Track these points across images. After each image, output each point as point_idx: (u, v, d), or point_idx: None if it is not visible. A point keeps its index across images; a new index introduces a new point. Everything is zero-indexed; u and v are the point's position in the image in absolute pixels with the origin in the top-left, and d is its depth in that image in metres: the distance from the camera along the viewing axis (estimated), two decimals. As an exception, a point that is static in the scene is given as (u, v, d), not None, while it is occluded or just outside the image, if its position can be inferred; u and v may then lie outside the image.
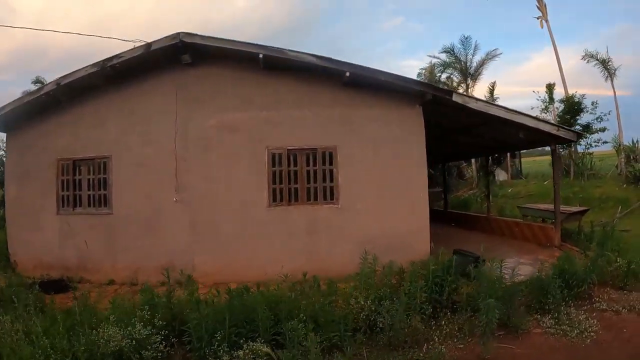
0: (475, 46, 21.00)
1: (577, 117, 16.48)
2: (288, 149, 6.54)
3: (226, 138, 6.51)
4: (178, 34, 6.13)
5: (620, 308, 5.15)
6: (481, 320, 4.23)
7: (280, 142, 6.52)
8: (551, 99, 17.78)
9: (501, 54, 21.32)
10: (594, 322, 4.65)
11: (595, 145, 16.88)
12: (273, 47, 6.18)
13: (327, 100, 6.63)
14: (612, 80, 18.43)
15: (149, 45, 6.17)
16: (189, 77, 6.55)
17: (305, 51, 6.18)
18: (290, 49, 6.18)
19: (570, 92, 17.66)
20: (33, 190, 6.53)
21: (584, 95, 16.86)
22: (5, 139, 7.06)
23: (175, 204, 6.45)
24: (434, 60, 22.81)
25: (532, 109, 17.97)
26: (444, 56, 21.87)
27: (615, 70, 18.20)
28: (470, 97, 6.89)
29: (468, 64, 21.21)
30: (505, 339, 4.43)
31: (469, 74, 21.42)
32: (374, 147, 6.64)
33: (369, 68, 6.26)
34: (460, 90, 22.06)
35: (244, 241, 6.46)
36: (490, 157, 11.10)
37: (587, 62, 18.44)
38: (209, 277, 6.14)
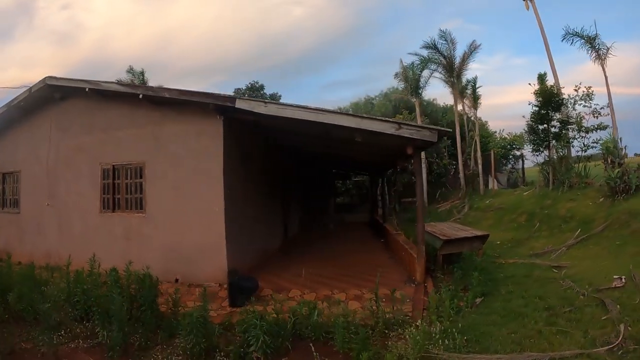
0: (452, 40, 18.99)
1: (557, 112, 13.86)
2: (113, 165, 8.02)
3: (77, 157, 8.42)
4: (45, 78, 8.37)
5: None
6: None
7: (109, 159, 8.05)
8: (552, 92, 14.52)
9: (480, 45, 18.95)
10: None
11: (593, 147, 13.51)
12: (94, 80, 7.79)
13: (143, 120, 7.81)
14: (602, 64, 14.54)
15: (30, 88, 8.61)
16: (60, 109, 8.74)
17: (113, 80, 7.60)
18: (106, 80, 7.69)
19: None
20: (-18, 194, 9.85)
21: (590, 87, 13.81)
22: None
23: (49, 208, 8.72)
24: (414, 59, 20.62)
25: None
26: (426, 53, 19.72)
27: (607, 50, 14.55)
28: (259, 101, 6.65)
29: (452, 59, 18.92)
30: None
31: (454, 70, 18.72)
32: (175, 162, 7.49)
33: (156, 88, 7.28)
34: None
35: (87, 240, 8.19)
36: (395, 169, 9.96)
37: (572, 43, 15.42)
38: (71, 267, 8.13)
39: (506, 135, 25.35)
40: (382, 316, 4.75)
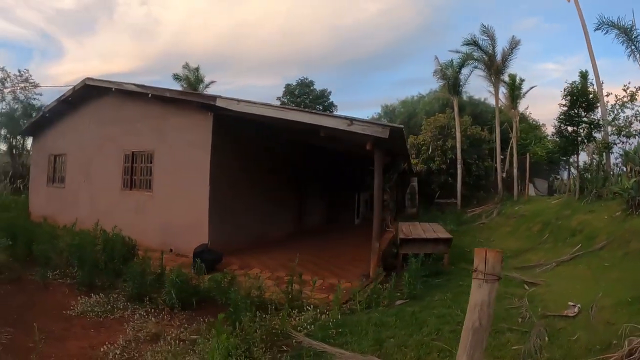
0: (493, 36, 18.55)
1: (590, 113, 13.12)
2: (132, 151, 9.81)
3: (107, 144, 10.40)
4: (85, 79, 10.45)
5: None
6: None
7: (129, 146, 9.88)
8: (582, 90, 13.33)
9: (519, 40, 18.34)
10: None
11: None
12: (117, 82, 9.64)
13: (155, 114, 9.48)
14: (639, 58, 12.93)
15: (74, 87, 10.77)
16: (98, 104, 10.81)
17: (132, 82, 9.33)
18: (127, 82, 9.48)
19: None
20: (39, 172, 12.36)
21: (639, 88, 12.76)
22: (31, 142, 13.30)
23: (85, 184, 10.85)
24: (454, 56, 20.28)
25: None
26: (466, 50, 19.39)
27: None
28: (233, 99, 7.50)
29: (494, 56, 18.28)
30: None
31: (494, 66, 18.02)
32: (175, 151, 9.05)
33: (161, 89, 8.86)
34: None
35: (110, 212, 10.08)
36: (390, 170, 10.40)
37: (606, 33, 14.02)
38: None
39: (557, 139, 24.15)
40: (288, 298, 5.39)
